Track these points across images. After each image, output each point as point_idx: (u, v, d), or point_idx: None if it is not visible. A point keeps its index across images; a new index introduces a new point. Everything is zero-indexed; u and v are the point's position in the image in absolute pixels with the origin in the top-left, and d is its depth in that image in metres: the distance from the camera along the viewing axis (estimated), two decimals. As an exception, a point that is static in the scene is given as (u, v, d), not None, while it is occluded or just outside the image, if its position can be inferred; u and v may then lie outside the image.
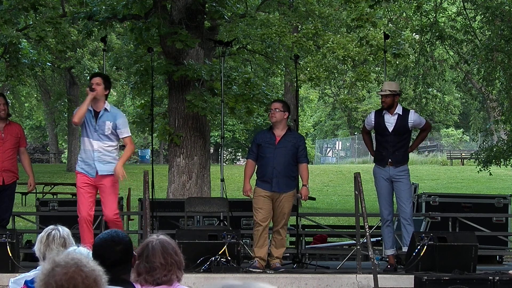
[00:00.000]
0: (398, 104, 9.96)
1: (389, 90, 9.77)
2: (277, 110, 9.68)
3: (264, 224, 9.59)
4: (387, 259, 9.94)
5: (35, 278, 4.81)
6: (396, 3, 17.73)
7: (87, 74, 36.32)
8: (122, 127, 9.07)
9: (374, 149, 10.13)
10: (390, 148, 9.74)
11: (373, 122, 9.89)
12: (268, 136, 9.75)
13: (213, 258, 9.18)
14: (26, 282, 4.86)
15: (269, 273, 9.36)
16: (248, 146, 42.45)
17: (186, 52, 13.27)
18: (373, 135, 10.36)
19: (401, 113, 9.81)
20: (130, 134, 9.19)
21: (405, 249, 9.71)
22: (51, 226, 5.07)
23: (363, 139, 10.51)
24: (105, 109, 9.07)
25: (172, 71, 13.06)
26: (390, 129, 9.74)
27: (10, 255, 9.09)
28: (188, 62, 13.13)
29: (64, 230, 5.08)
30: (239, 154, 59.56)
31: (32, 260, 10.08)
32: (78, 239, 7.35)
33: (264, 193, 9.61)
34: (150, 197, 10.08)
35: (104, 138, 9.02)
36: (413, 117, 9.82)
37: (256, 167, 9.81)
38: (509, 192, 14.35)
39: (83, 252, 4.49)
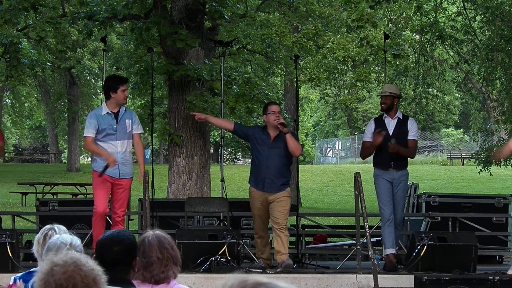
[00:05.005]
0: (398, 109, 10.04)
1: (389, 92, 9.86)
2: (279, 113, 9.83)
3: (263, 230, 9.74)
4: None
5: (24, 274, 4.81)
6: (396, 3, 17.72)
7: (87, 74, 36.30)
8: (138, 123, 9.36)
9: (375, 153, 10.07)
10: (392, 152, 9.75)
11: (373, 129, 9.86)
12: (264, 135, 9.80)
13: (213, 258, 9.18)
14: (15, 279, 4.85)
15: (269, 273, 9.35)
16: (248, 146, 42.37)
17: (186, 52, 13.27)
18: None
19: (401, 118, 9.91)
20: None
21: (389, 250, 9.70)
22: (47, 226, 5.05)
23: (363, 152, 10.27)
24: (125, 110, 9.28)
25: (172, 71, 13.06)
26: (391, 132, 9.79)
27: (10, 255, 9.10)
28: (189, 62, 13.12)
29: (60, 230, 5.06)
30: (239, 154, 59.55)
31: (32, 260, 10.07)
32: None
33: (257, 195, 9.65)
34: (150, 197, 10.09)
35: (126, 136, 9.21)
36: (411, 123, 9.91)
37: (233, 126, 9.99)
38: (509, 192, 14.32)
39: (67, 239, 4.49)
